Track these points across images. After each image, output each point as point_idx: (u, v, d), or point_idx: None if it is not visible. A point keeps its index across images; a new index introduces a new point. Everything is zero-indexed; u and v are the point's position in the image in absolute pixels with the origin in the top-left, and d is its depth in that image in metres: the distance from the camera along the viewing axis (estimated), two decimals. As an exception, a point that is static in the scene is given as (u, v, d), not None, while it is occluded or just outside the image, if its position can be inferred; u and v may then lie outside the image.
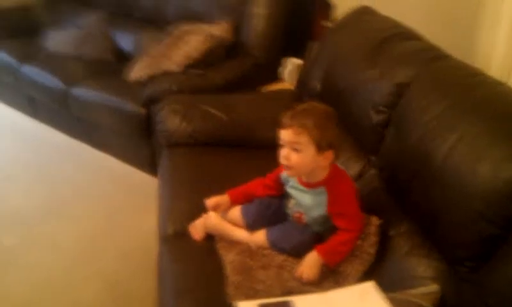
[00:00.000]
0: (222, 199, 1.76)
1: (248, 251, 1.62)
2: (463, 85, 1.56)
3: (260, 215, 1.71)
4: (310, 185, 1.60)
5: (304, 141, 1.49)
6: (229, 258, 1.60)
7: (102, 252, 2.45)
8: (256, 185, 1.78)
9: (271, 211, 1.72)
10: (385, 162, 1.77)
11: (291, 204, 1.68)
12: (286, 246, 1.61)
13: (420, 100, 1.62)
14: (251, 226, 1.69)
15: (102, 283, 2.26)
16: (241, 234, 1.69)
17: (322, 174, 1.58)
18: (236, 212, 1.73)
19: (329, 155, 1.53)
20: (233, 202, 1.76)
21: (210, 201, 1.75)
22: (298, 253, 1.57)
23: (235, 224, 1.72)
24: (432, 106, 1.55)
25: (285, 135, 1.52)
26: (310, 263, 1.52)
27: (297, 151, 1.51)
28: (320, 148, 1.50)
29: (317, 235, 1.62)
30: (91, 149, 3.37)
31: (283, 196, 1.73)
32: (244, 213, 1.72)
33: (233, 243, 1.67)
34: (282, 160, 1.55)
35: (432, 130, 1.50)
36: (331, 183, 1.58)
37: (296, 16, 3.13)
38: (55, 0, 4.12)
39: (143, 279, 2.22)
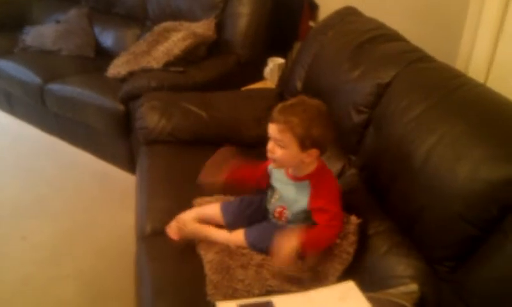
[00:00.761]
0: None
1: (227, 250, 1.61)
2: (443, 86, 1.57)
3: (240, 214, 1.70)
4: (295, 178, 1.61)
5: (287, 138, 1.50)
6: (208, 257, 1.58)
7: (78, 250, 2.42)
8: (251, 176, 1.75)
9: (251, 210, 1.71)
10: (365, 162, 1.78)
11: (274, 199, 1.67)
12: (264, 246, 1.59)
13: (401, 100, 1.62)
14: (231, 225, 1.68)
15: (79, 281, 2.23)
16: (219, 235, 1.67)
17: (308, 169, 1.58)
18: (216, 209, 1.72)
19: (313, 152, 1.52)
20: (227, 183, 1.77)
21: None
22: None
23: (214, 220, 1.71)
24: (412, 107, 1.56)
25: (271, 129, 1.54)
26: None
27: (280, 146, 1.52)
28: (304, 146, 1.50)
29: None
30: (68, 145, 3.32)
31: (266, 193, 1.72)
32: (224, 211, 1.71)
33: (212, 242, 1.65)
34: (268, 153, 1.56)
35: (412, 130, 1.51)
36: (315, 178, 1.58)
37: (282, 16, 3.11)
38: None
39: (121, 278, 2.20)
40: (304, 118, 1.49)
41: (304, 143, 1.50)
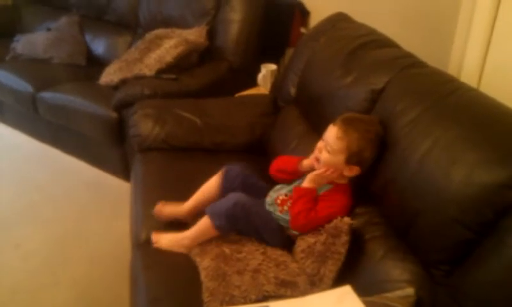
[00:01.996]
0: (176, 209, 1.81)
1: (222, 256, 1.60)
2: (437, 91, 1.58)
3: (238, 179, 1.80)
4: None
5: (339, 146, 1.57)
6: (204, 264, 1.58)
7: (72, 258, 2.40)
8: (293, 167, 1.80)
9: (250, 182, 1.82)
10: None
11: (285, 188, 1.73)
12: (223, 207, 1.63)
13: (394, 106, 1.63)
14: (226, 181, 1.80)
15: (72, 289, 2.22)
16: (188, 232, 1.70)
17: (340, 180, 1.65)
18: (216, 179, 1.83)
19: (355, 169, 1.59)
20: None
21: (165, 211, 1.79)
22: (237, 218, 1.63)
23: (211, 194, 1.81)
24: (406, 112, 1.57)
25: (330, 131, 1.61)
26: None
27: (328, 151, 1.58)
28: (350, 161, 1.57)
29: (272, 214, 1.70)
30: (61, 153, 3.31)
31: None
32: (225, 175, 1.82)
33: (207, 249, 1.65)
34: (315, 151, 1.65)
35: (407, 135, 1.51)
36: (338, 189, 1.64)
37: (274, 22, 3.12)
38: (30, 3, 4.04)
39: (115, 286, 2.19)
40: (363, 137, 1.56)
41: (352, 159, 1.57)
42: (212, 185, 1.84)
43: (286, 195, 1.71)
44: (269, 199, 1.75)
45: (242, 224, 1.65)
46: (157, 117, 2.33)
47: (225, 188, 1.80)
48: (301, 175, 1.74)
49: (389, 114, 1.63)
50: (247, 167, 1.87)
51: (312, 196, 1.62)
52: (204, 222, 1.66)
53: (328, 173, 1.59)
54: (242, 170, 1.85)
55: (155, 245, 1.70)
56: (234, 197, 1.66)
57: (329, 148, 1.59)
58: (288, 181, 1.78)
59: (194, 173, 2.09)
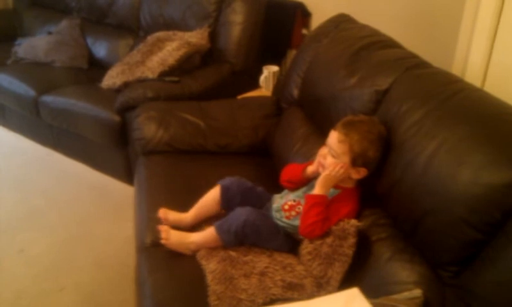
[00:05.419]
0: (180, 217, 1.79)
1: (228, 259, 1.60)
2: (442, 92, 1.57)
3: (238, 189, 1.80)
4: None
5: (342, 150, 1.57)
6: (210, 267, 1.58)
7: (76, 263, 2.40)
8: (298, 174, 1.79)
9: (249, 193, 1.82)
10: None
11: (292, 193, 1.73)
12: (233, 224, 1.62)
13: (400, 107, 1.62)
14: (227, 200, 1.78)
15: (77, 293, 2.21)
16: (195, 235, 1.69)
17: (348, 183, 1.65)
18: (216, 191, 1.81)
19: (362, 171, 1.59)
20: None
21: (169, 218, 1.77)
22: (246, 235, 1.63)
23: (213, 206, 1.80)
24: (411, 113, 1.56)
25: (332, 136, 1.62)
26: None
27: (332, 155, 1.59)
28: (355, 163, 1.57)
29: (278, 227, 1.70)
30: (63, 157, 3.31)
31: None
32: (223, 188, 1.80)
33: (213, 251, 1.65)
34: (318, 157, 1.65)
35: (413, 136, 1.51)
36: (346, 193, 1.64)
37: (275, 24, 3.13)
38: (31, 7, 4.04)
39: (120, 289, 2.19)
40: (365, 138, 1.56)
41: (357, 161, 1.57)
42: (211, 200, 1.81)
43: (294, 200, 1.70)
44: (275, 205, 1.75)
45: (250, 240, 1.65)
46: (161, 120, 2.33)
47: (226, 207, 1.79)
48: (307, 182, 1.74)
49: (394, 115, 1.63)
50: (241, 179, 1.85)
51: (325, 204, 1.59)
52: (211, 234, 1.66)
53: (337, 169, 1.57)
54: (238, 185, 1.82)
55: (164, 241, 1.67)
56: (243, 214, 1.64)
57: (333, 153, 1.59)
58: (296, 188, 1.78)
59: (198, 175, 2.09)
